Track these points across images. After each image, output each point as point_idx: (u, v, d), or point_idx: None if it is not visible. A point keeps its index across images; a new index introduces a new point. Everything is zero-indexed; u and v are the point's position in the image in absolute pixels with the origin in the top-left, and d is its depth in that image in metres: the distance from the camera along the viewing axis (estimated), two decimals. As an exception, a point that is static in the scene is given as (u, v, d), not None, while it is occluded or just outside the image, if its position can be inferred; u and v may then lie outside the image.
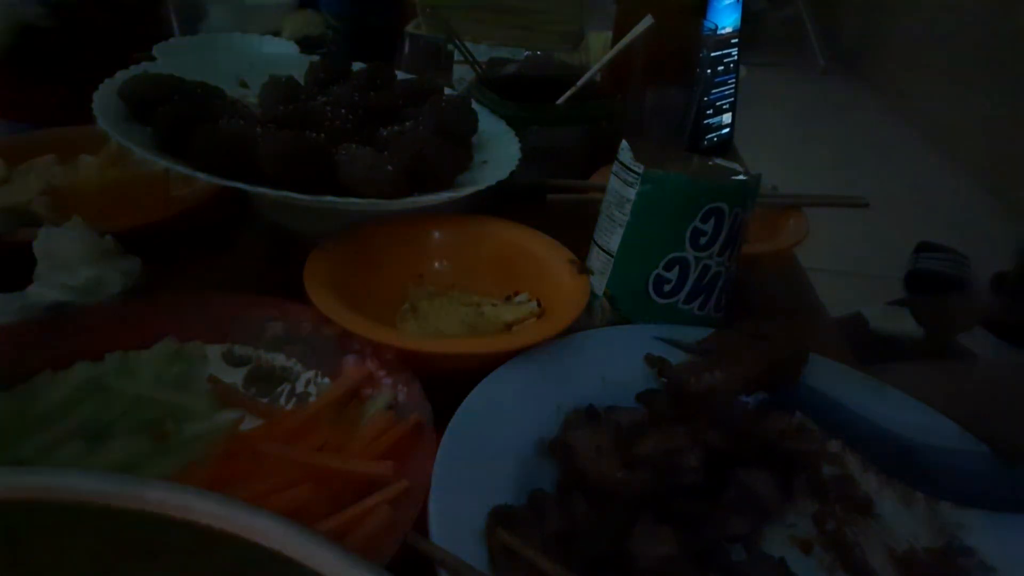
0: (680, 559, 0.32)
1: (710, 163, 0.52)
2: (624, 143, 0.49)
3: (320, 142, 0.52)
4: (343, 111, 0.58)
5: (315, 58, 0.69)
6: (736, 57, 0.82)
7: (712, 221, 0.46)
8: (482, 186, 0.55)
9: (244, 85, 0.66)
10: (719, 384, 0.40)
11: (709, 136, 0.83)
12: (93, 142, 0.64)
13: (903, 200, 2.04)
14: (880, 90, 3.09)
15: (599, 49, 0.91)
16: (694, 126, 0.74)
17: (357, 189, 0.50)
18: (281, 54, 0.82)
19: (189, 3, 0.91)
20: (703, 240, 0.47)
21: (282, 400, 0.43)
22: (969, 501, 0.38)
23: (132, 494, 0.21)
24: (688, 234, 0.47)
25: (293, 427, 0.39)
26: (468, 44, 0.76)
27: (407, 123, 0.59)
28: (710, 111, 0.82)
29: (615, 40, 0.74)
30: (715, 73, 0.81)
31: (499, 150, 0.61)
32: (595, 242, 0.51)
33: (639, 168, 0.47)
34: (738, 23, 0.80)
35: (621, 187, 0.48)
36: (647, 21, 0.63)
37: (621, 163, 0.48)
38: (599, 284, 0.50)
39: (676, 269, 0.48)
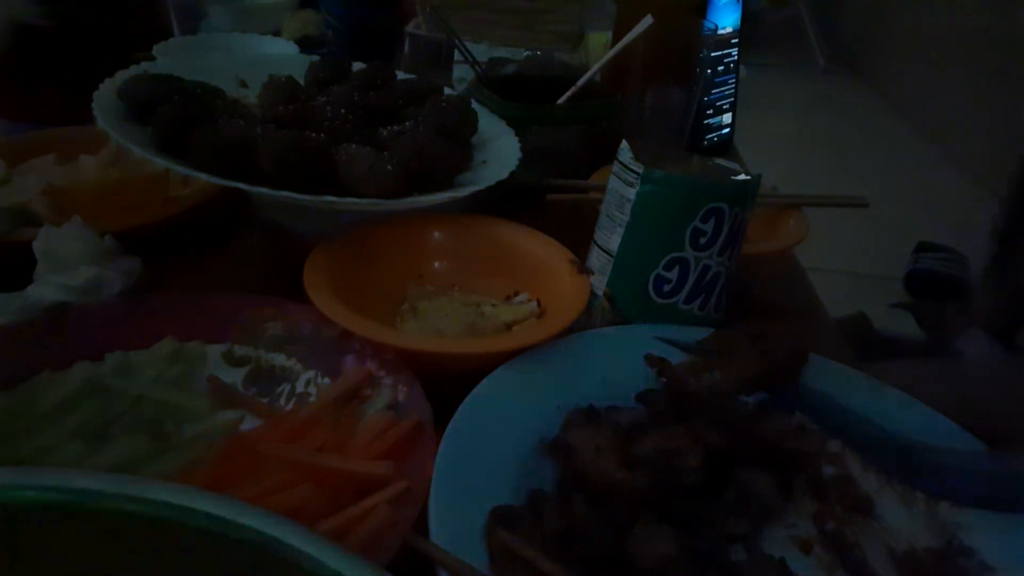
0: (680, 559, 0.32)
1: (710, 163, 0.52)
2: (624, 143, 0.49)
3: (320, 142, 0.51)
4: (343, 111, 0.58)
5: (315, 58, 0.69)
6: (736, 57, 0.82)
7: (712, 221, 0.46)
8: (482, 186, 0.55)
9: (244, 85, 0.66)
10: (719, 384, 0.40)
11: (709, 136, 0.83)
12: (93, 142, 0.64)
13: (903, 200, 2.04)
14: (880, 90, 3.09)
15: (599, 49, 0.91)
16: (694, 126, 0.74)
17: (357, 189, 0.50)
18: (281, 54, 0.82)
19: (189, 3, 0.91)
20: (703, 240, 0.47)
21: (282, 400, 0.43)
22: (969, 501, 0.38)
23: (132, 494, 0.21)
24: (688, 234, 0.47)
25: (293, 427, 0.39)
26: (468, 44, 0.76)
27: (407, 123, 0.59)
28: (710, 111, 0.82)
29: (615, 40, 0.74)
30: (715, 73, 0.81)
31: (499, 150, 0.61)
32: (595, 242, 0.51)
33: (639, 168, 0.47)
34: (738, 23, 0.80)
35: (621, 187, 0.48)
36: (647, 21, 0.63)
37: (621, 163, 0.48)
38: (599, 284, 0.50)
39: (676, 269, 0.48)
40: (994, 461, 0.40)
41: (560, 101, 0.68)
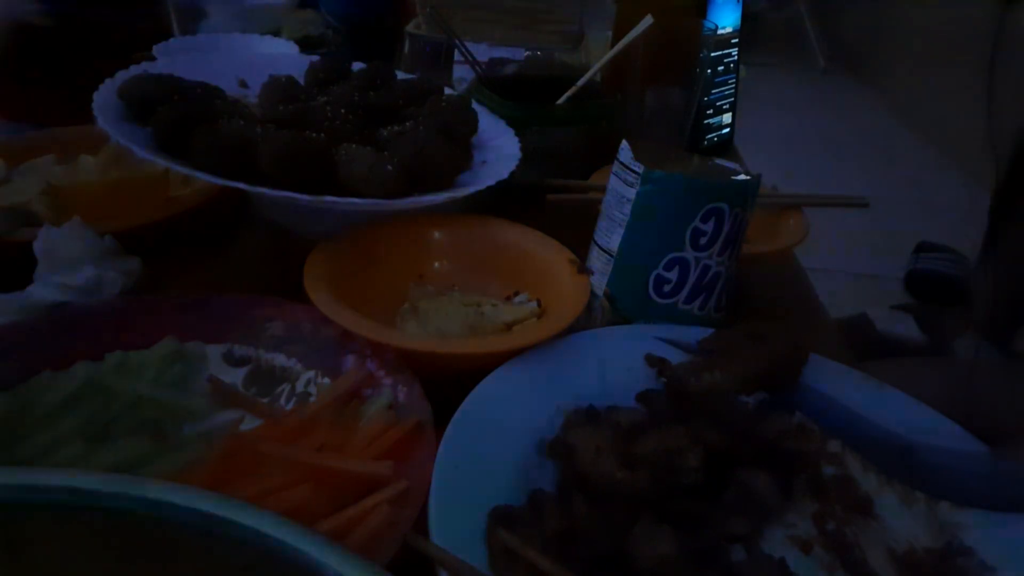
0: (680, 559, 0.32)
1: (710, 163, 0.52)
2: (624, 143, 0.49)
3: (320, 142, 0.52)
4: (343, 111, 0.58)
5: (315, 58, 0.69)
6: (736, 57, 0.82)
7: (712, 221, 0.46)
8: (482, 186, 0.55)
9: (244, 85, 0.66)
10: (719, 384, 0.40)
11: (709, 136, 0.83)
12: (93, 142, 0.64)
13: (903, 200, 2.04)
14: (880, 90, 3.09)
15: (599, 49, 0.91)
16: (694, 126, 0.74)
17: (357, 189, 0.50)
18: (281, 54, 0.82)
19: (189, 3, 0.91)
20: (703, 240, 0.47)
21: (282, 400, 0.43)
22: (969, 501, 0.38)
23: (132, 494, 0.21)
24: (688, 234, 0.47)
25: (293, 427, 0.39)
26: (468, 44, 0.76)
27: (407, 123, 0.59)
28: (710, 111, 0.82)
29: (615, 40, 0.74)
30: (715, 73, 0.81)
31: (499, 150, 0.61)
32: (595, 242, 0.51)
33: (639, 168, 0.47)
34: (738, 23, 0.80)
35: (621, 187, 0.48)
36: (647, 21, 0.63)
37: (621, 163, 0.48)
38: (599, 284, 0.50)
39: (676, 269, 0.48)
40: (994, 461, 0.40)
41: (560, 101, 0.68)
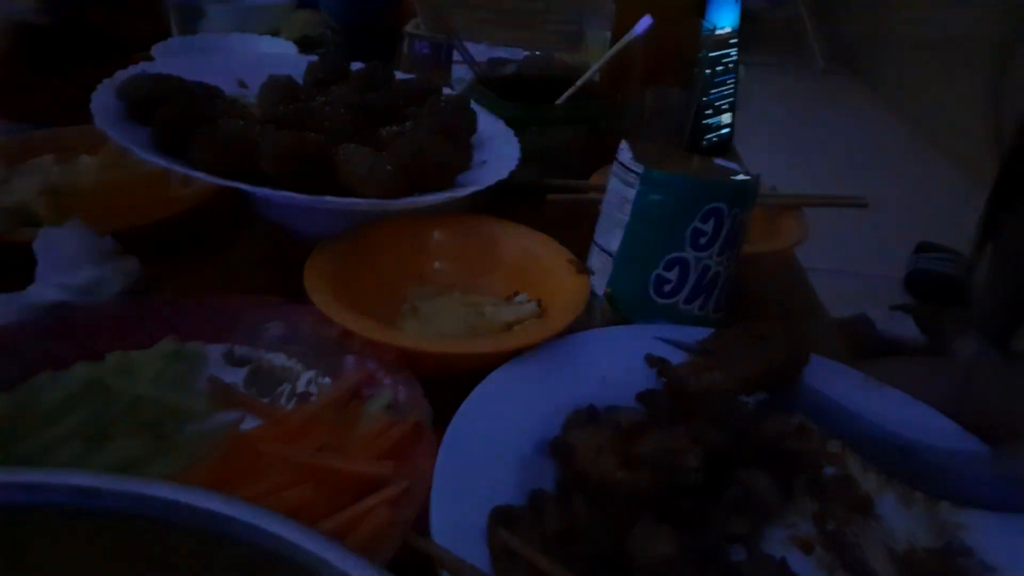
0: (680, 559, 0.32)
1: (710, 163, 0.52)
2: (623, 143, 0.49)
3: (319, 142, 0.51)
4: (342, 111, 0.58)
5: (314, 58, 0.69)
6: (735, 57, 0.82)
7: (712, 221, 0.46)
8: (481, 186, 0.55)
9: (243, 85, 0.66)
10: (719, 384, 0.40)
11: (709, 136, 0.83)
12: (92, 142, 0.64)
13: (903, 200, 2.04)
14: (879, 90, 3.09)
15: (599, 49, 0.91)
16: (694, 126, 0.74)
17: (357, 189, 0.50)
18: (280, 54, 0.82)
19: (188, 4, 0.91)
20: (703, 240, 0.47)
21: (283, 400, 0.43)
22: (969, 501, 0.38)
23: (133, 494, 0.21)
24: (688, 234, 0.47)
25: (293, 427, 0.39)
26: (467, 44, 0.76)
27: (407, 123, 0.59)
28: (709, 111, 0.82)
29: (614, 40, 0.74)
30: (714, 73, 0.81)
31: (498, 150, 0.61)
32: (595, 242, 0.51)
33: (639, 168, 0.47)
34: (737, 23, 0.80)
35: (621, 187, 0.48)
36: (646, 21, 0.63)
37: (621, 163, 0.48)
38: (599, 284, 0.50)
39: (676, 269, 0.48)
40: (994, 461, 0.40)
41: (559, 101, 0.68)
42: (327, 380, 0.44)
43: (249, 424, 0.40)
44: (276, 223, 0.59)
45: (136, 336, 0.44)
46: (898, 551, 0.36)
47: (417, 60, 0.79)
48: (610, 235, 0.49)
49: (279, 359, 0.45)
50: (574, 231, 0.54)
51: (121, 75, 0.57)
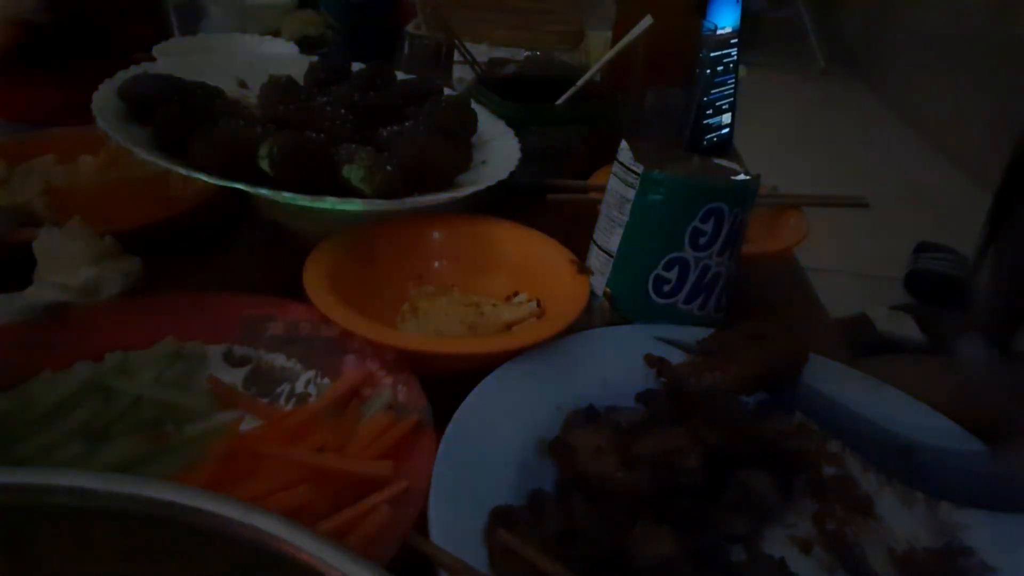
0: (680, 559, 0.32)
1: (710, 163, 0.52)
2: (624, 144, 0.49)
3: (320, 142, 0.52)
4: (343, 111, 0.58)
5: (315, 58, 0.69)
6: (736, 57, 0.82)
7: (712, 221, 0.46)
8: (482, 186, 0.55)
9: (243, 85, 0.66)
10: (719, 384, 0.40)
11: (709, 136, 0.83)
12: (93, 142, 0.64)
13: (903, 200, 2.04)
14: (880, 90, 3.09)
15: (599, 49, 0.91)
16: (694, 126, 0.73)
17: (357, 189, 0.50)
18: (281, 54, 0.82)
19: (189, 4, 0.91)
20: (703, 240, 0.47)
21: (282, 400, 0.43)
22: (969, 501, 0.38)
23: (132, 494, 0.21)
24: (688, 234, 0.47)
25: (293, 427, 0.39)
26: (468, 44, 0.76)
27: (407, 123, 0.59)
28: (710, 111, 0.82)
29: (615, 40, 0.74)
30: (715, 73, 0.81)
31: (499, 150, 0.61)
32: (595, 242, 0.51)
33: (639, 169, 0.47)
34: (738, 23, 0.80)
35: (621, 187, 0.48)
36: (647, 21, 0.63)
37: (621, 163, 0.48)
38: (599, 284, 0.50)
39: (676, 269, 0.48)
40: (994, 461, 0.40)
41: (560, 101, 0.68)
42: (326, 380, 0.44)
43: (249, 424, 0.40)
44: (276, 223, 0.59)
45: (136, 336, 0.44)
46: (898, 551, 0.36)
47: (418, 60, 0.79)
48: (610, 235, 0.49)
49: (279, 359, 0.45)
50: (574, 231, 0.54)
51: (122, 75, 0.57)
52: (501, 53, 0.83)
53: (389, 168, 0.50)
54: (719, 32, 0.77)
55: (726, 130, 0.85)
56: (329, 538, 0.21)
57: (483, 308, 0.51)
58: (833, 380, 0.45)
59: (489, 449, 0.37)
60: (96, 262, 0.47)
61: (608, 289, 0.50)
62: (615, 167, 0.49)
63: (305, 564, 0.20)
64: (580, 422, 0.40)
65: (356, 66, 0.68)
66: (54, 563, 0.22)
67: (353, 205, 0.49)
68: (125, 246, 0.50)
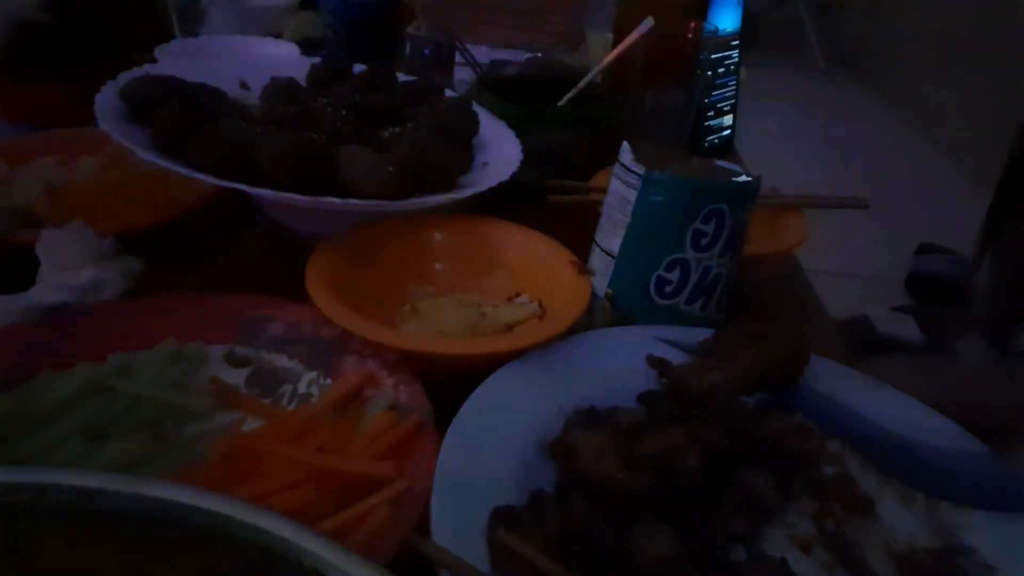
0: (680, 559, 0.32)
1: (711, 165, 0.52)
2: (625, 145, 0.49)
3: (321, 143, 0.52)
4: (344, 112, 0.58)
5: (316, 59, 0.69)
6: (737, 59, 0.82)
7: (713, 222, 0.46)
8: (483, 187, 0.55)
9: (245, 87, 0.66)
10: (720, 385, 0.40)
11: (710, 138, 0.83)
12: (94, 143, 0.64)
13: (904, 200, 2.04)
14: (880, 90, 3.09)
15: (600, 50, 0.91)
16: (695, 127, 0.74)
17: (358, 190, 0.50)
18: (282, 56, 0.82)
19: (190, 5, 0.91)
20: (704, 241, 0.47)
21: (284, 401, 0.43)
22: (969, 501, 0.38)
23: (133, 493, 0.21)
24: (689, 235, 0.47)
25: (295, 428, 0.39)
26: (469, 46, 0.76)
27: (408, 124, 0.59)
28: (711, 113, 0.82)
29: (616, 41, 0.74)
30: (715, 75, 0.81)
31: (500, 151, 0.61)
32: (596, 243, 0.51)
33: (640, 170, 0.47)
34: (738, 25, 0.80)
35: (622, 188, 0.48)
36: (647, 23, 0.63)
37: (622, 165, 0.49)
38: (600, 285, 0.50)
39: (677, 270, 0.48)
40: (994, 461, 0.40)
41: (561, 103, 0.68)
42: (328, 381, 0.44)
43: (251, 425, 0.40)
44: (278, 223, 0.59)
45: (137, 337, 0.44)
46: (898, 551, 0.36)
47: (418, 62, 0.79)
48: (611, 236, 0.49)
49: (280, 360, 0.45)
50: (575, 232, 0.54)
51: (124, 77, 0.58)
52: (502, 55, 0.83)
53: (390, 169, 0.50)
54: (720, 34, 0.77)
55: (727, 131, 0.85)
56: (330, 538, 0.21)
57: (484, 309, 0.51)
58: (833, 380, 0.45)
59: (490, 450, 0.37)
60: (98, 263, 0.47)
61: (610, 290, 0.50)
62: (616, 168, 0.49)
63: (307, 564, 0.20)
64: (581, 423, 0.40)
65: (357, 67, 0.68)
66: (55, 563, 0.22)
67: (354, 206, 0.49)
68: (127, 247, 0.50)
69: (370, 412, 0.41)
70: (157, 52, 0.75)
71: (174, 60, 0.74)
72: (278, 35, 0.93)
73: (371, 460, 0.37)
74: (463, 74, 0.79)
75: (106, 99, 0.54)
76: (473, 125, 0.62)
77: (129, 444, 0.36)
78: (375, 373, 0.43)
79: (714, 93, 0.82)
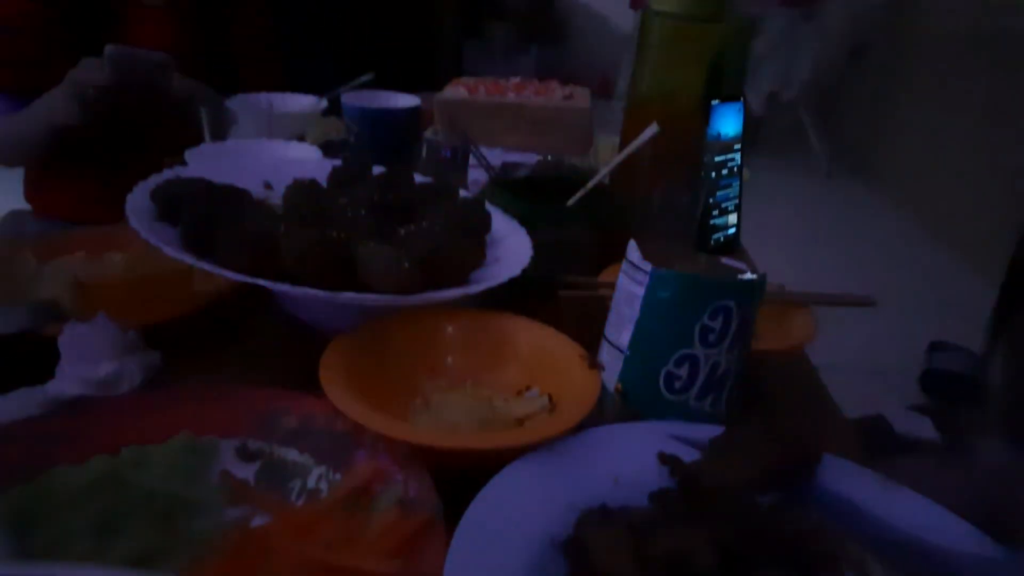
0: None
1: (717, 262, 0.54)
2: (632, 242, 0.51)
3: (340, 240, 0.54)
4: (363, 211, 0.60)
5: (337, 162, 0.72)
6: (739, 161, 0.86)
7: (720, 318, 0.47)
8: (495, 282, 0.56)
9: (269, 187, 0.70)
10: (732, 483, 0.40)
11: (716, 235, 0.85)
12: (122, 240, 0.67)
13: (910, 295, 2.05)
14: (883, 187, 3.16)
15: (607, 153, 0.95)
16: (701, 226, 0.76)
17: (375, 285, 0.52)
18: (305, 158, 0.86)
19: (220, 110, 0.97)
20: (712, 337, 0.47)
21: (293, 496, 0.43)
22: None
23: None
24: (697, 331, 0.47)
25: (303, 523, 0.38)
26: (483, 149, 0.80)
27: (424, 222, 0.61)
28: (716, 212, 0.84)
29: (623, 144, 0.77)
30: (719, 176, 0.84)
31: (512, 248, 0.63)
32: (606, 337, 0.52)
33: (647, 267, 0.48)
34: (740, 130, 0.84)
35: (630, 285, 0.50)
36: (652, 129, 0.66)
37: (630, 262, 0.50)
38: (610, 379, 0.50)
39: (686, 365, 0.48)
40: (1015, 566, 0.39)
41: (570, 202, 0.71)
42: (338, 476, 0.44)
43: (260, 519, 0.39)
44: (295, 316, 0.60)
45: (153, 430, 0.44)
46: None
47: (435, 164, 0.83)
48: (621, 331, 0.50)
49: (291, 454, 0.45)
50: (585, 327, 0.55)
51: (155, 179, 0.61)
52: (515, 157, 0.87)
53: (406, 264, 0.52)
54: (722, 139, 0.81)
55: (732, 229, 0.87)
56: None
57: (495, 403, 0.51)
58: (849, 481, 0.44)
59: (501, 547, 0.37)
60: (118, 356, 0.49)
61: (619, 384, 0.50)
62: (625, 265, 0.51)
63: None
64: (593, 521, 0.39)
65: (377, 169, 0.71)
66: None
67: (370, 301, 0.50)
68: (148, 339, 0.52)
69: (379, 507, 0.40)
70: (187, 155, 0.80)
71: (203, 162, 0.78)
72: (302, 138, 0.98)
73: (380, 556, 0.36)
74: (477, 175, 0.83)
75: (137, 200, 0.57)
76: (486, 223, 0.64)
77: (141, 538, 0.36)
78: (385, 468, 0.43)
79: (718, 193, 0.84)
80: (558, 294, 0.63)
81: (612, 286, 0.52)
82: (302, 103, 1.11)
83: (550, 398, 0.52)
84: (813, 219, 2.92)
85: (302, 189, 0.63)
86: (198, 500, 0.40)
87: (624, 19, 3.51)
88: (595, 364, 0.52)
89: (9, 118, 0.98)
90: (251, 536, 0.37)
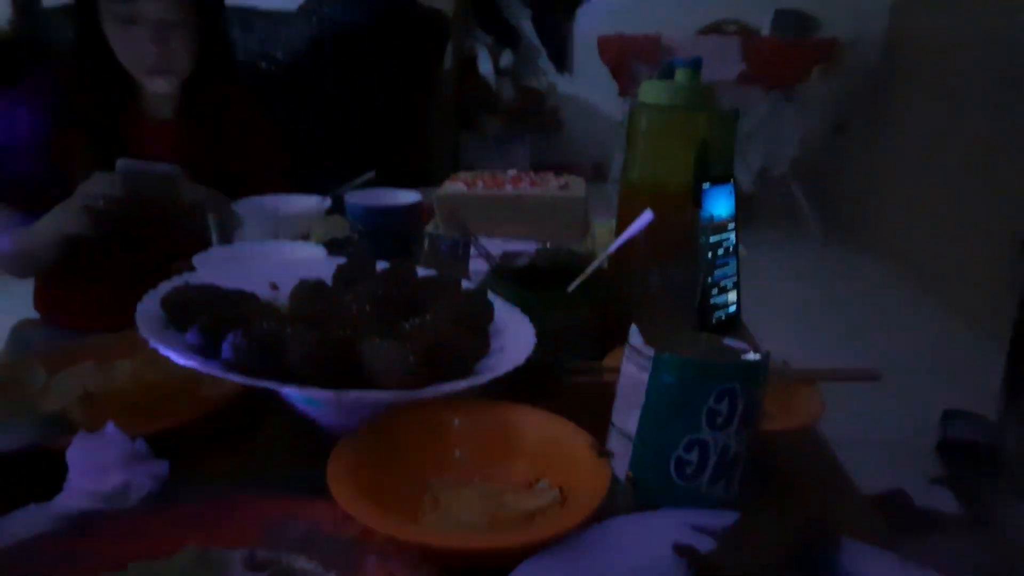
0: None
1: (720, 342, 0.54)
2: (633, 327, 0.51)
3: (345, 339, 0.54)
4: (367, 307, 0.61)
5: (341, 260, 0.74)
6: (734, 241, 0.87)
7: (726, 401, 0.47)
8: (500, 372, 0.56)
9: (275, 287, 0.71)
10: (750, 571, 0.39)
11: (717, 314, 0.85)
12: (130, 348, 0.68)
13: (915, 363, 2.03)
14: (881, 257, 3.19)
15: (604, 237, 0.97)
16: (701, 305, 0.76)
17: (380, 381, 0.52)
18: (310, 258, 0.88)
19: (227, 215, 0.99)
20: (720, 420, 0.47)
21: (302, 606, 0.42)
22: None
23: None
24: (704, 415, 0.47)
25: (313, 636, 0.37)
26: (483, 239, 0.82)
27: (427, 316, 0.62)
28: (715, 291, 0.85)
29: (619, 228, 0.79)
30: (715, 256, 0.85)
31: (515, 337, 0.64)
32: (613, 424, 0.52)
33: (650, 352, 0.49)
34: (733, 210, 0.86)
35: (634, 370, 0.50)
36: (647, 216, 0.68)
37: (632, 347, 0.50)
38: (620, 467, 0.50)
39: (696, 450, 0.48)
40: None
41: (571, 288, 0.72)
42: (348, 582, 0.43)
43: (268, 633, 0.38)
44: (302, 415, 0.60)
45: (159, 544, 0.44)
46: None
47: (436, 257, 0.85)
48: (628, 417, 0.50)
49: (299, 562, 0.45)
50: (592, 413, 0.55)
51: (164, 286, 0.62)
52: (514, 246, 0.89)
53: (411, 359, 0.52)
54: (715, 220, 0.83)
55: (732, 307, 0.88)
56: None
57: (504, 498, 0.51)
58: (870, 565, 0.43)
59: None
60: (126, 466, 0.48)
61: (630, 473, 0.49)
62: (627, 350, 0.51)
63: None
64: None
65: (380, 265, 0.73)
66: None
67: (376, 398, 0.50)
68: (156, 445, 0.52)
69: (391, 615, 0.39)
70: (196, 260, 0.81)
71: (211, 267, 0.80)
72: (306, 238, 1.01)
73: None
74: (478, 265, 0.84)
75: (147, 308, 0.58)
76: (488, 313, 0.65)
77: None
78: (396, 573, 0.42)
79: (716, 272, 0.85)
80: (563, 381, 0.63)
81: (617, 370, 0.53)
82: (306, 204, 1.14)
83: (560, 490, 0.51)
84: (813, 290, 2.93)
85: (307, 289, 0.65)
86: (205, 616, 0.39)
87: (613, 107, 3.65)
88: (604, 452, 0.51)
89: (21, 231, 1.01)
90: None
